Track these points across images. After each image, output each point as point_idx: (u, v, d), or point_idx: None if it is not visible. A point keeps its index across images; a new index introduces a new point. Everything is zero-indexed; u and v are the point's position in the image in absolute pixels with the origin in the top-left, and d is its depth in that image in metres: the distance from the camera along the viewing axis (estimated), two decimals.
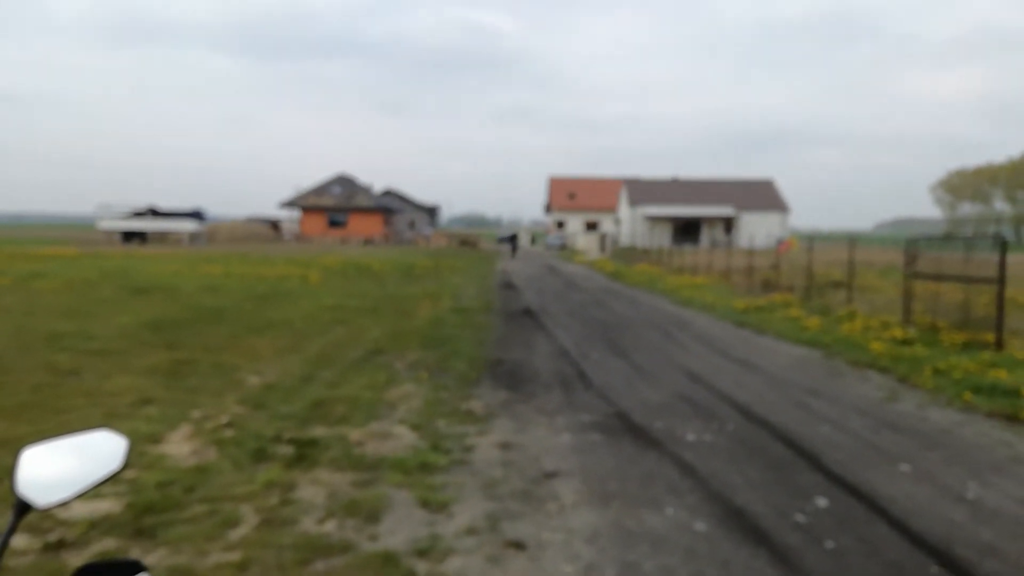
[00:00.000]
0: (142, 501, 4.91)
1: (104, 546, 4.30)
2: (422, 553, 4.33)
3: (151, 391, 8.11)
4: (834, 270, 20.73)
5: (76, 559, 4.10)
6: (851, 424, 7.59)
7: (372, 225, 77.10)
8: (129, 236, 59.35)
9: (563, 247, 75.66)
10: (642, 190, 74.12)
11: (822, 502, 5.33)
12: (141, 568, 1.33)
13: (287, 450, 6.16)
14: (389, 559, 4.22)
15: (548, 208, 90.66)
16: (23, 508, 1.32)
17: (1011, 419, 7.82)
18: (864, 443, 6.89)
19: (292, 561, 4.16)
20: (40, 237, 66.63)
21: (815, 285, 19.82)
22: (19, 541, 4.29)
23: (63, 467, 1.37)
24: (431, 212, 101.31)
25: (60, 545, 4.28)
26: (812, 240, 21.87)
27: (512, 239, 64.55)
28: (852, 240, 18.33)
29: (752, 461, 6.28)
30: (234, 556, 4.19)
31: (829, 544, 4.59)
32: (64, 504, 1.36)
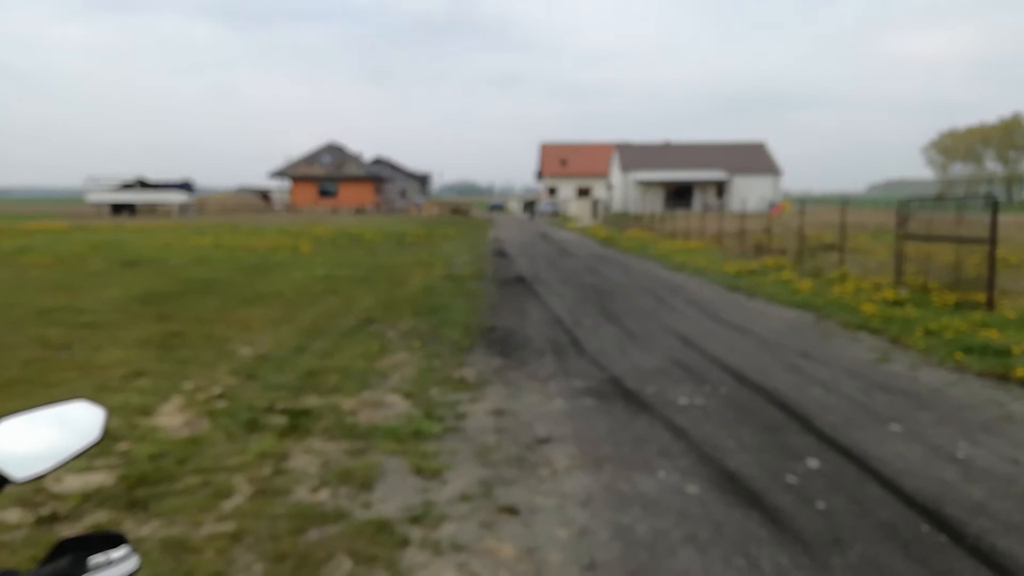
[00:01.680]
0: (135, 473, 4.91)
1: (97, 518, 4.30)
2: (416, 520, 4.34)
3: (143, 363, 8.09)
4: (826, 233, 20.75)
5: (69, 532, 4.10)
6: (843, 386, 7.62)
7: (363, 194, 76.75)
8: (118, 208, 59.01)
9: (555, 214, 75.51)
10: (634, 155, 73.85)
11: (814, 463, 5.36)
12: (123, 540, 1.31)
13: (280, 420, 6.15)
14: (383, 527, 4.23)
15: (540, 175, 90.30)
16: (0, 482, 1.29)
17: (1002, 378, 7.86)
18: (855, 404, 6.92)
19: (286, 530, 4.16)
20: (28, 211, 66.17)
21: (807, 248, 19.84)
22: (11, 515, 4.29)
23: (40, 439, 1.34)
24: (422, 181, 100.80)
25: (53, 518, 4.28)
26: (804, 203, 21.85)
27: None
28: (844, 202, 18.31)
29: (744, 424, 6.30)
30: (228, 526, 4.20)
31: (820, 505, 4.62)
32: (42, 477, 1.33)
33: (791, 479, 5.05)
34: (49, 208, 73.59)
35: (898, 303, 12.32)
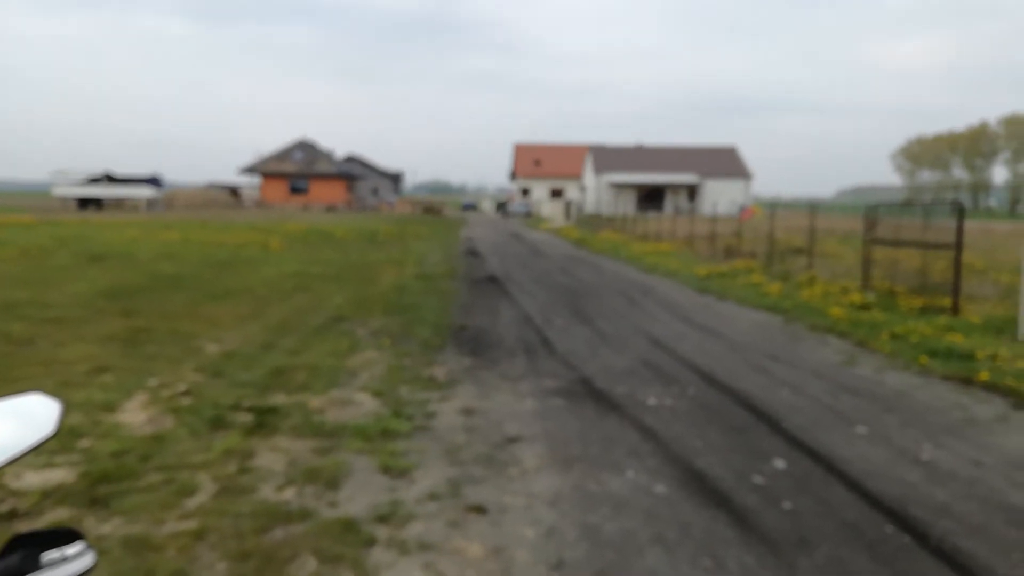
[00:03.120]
0: (96, 470, 4.81)
1: (57, 515, 4.21)
2: (383, 519, 4.30)
3: (107, 359, 7.95)
4: (795, 237, 20.98)
5: (29, 528, 4.01)
6: (810, 388, 7.69)
7: (335, 192, 76.30)
8: (85, 203, 58.10)
9: (528, 214, 75.57)
10: (607, 157, 74.16)
11: (780, 464, 5.40)
12: (78, 537, 1.27)
13: (246, 418, 6.07)
14: (349, 526, 4.19)
15: (513, 175, 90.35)
16: None
17: (966, 382, 7.97)
18: (822, 406, 6.98)
19: (250, 529, 4.10)
20: None
21: (777, 251, 20.03)
22: None
23: None
24: (395, 179, 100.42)
25: (12, 515, 4.19)
26: (774, 207, 22.06)
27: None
28: (813, 207, 18.51)
29: (712, 425, 6.33)
30: (191, 524, 4.13)
31: (787, 505, 4.65)
32: None
33: (758, 480, 5.08)
34: (15, 202, 72.31)
35: (865, 307, 12.47)
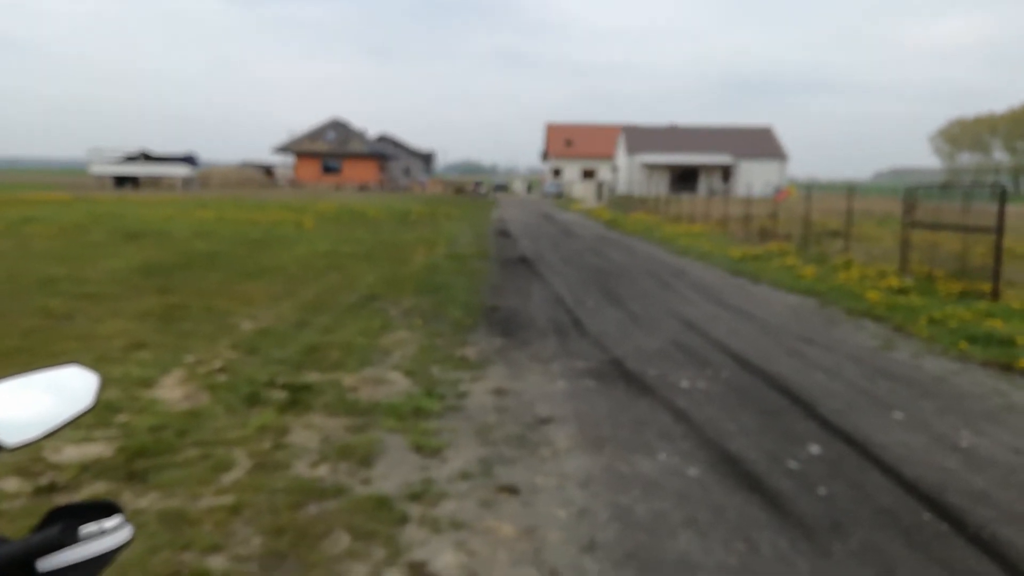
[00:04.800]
0: (134, 445, 4.89)
1: (95, 489, 4.28)
2: (415, 497, 4.32)
3: (144, 335, 8.07)
4: (831, 219, 20.67)
5: (67, 502, 4.09)
6: (845, 372, 7.59)
7: (367, 171, 76.56)
8: (121, 181, 58.86)
9: (560, 195, 75.28)
10: (640, 137, 73.51)
11: (815, 449, 5.34)
12: (116, 510, 1.28)
13: (280, 395, 6.13)
14: (382, 503, 4.22)
15: (545, 156, 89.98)
16: None
17: (1005, 368, 7.82)
18: (858, 391, 6.89)
19: (284, 504, 4.15)
20: (33, 182, 66.09)
21: (812, 234, 19.76)
22: (10, 484, 4.27)
23: (32, 405, 1.31)
24: (426, 159, 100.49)
25: (51, 488, 4.27)
26: (810, 189, 21.74)
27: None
28: (850, 189, 18.22)
29: (746, 408, 6.28)
30: (226, 500, 4.18)
31: (822, 490, 4.60)
32: (33, 443, 1.29)
33: (792, 464, 5.03)
34: (53, 179, 73.48)
35: (903, 291, 12.27)
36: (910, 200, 14.29)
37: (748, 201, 25.93)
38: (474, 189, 79.11)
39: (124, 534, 1.25)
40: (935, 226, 13.39)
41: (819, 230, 20.23)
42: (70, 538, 1.21)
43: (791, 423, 5.92)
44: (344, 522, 3.97)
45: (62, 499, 4.15)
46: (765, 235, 22.37)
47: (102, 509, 1.27)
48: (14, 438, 1.27)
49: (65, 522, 1.23)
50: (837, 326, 10.23)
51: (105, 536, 1.24)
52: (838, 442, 5.50)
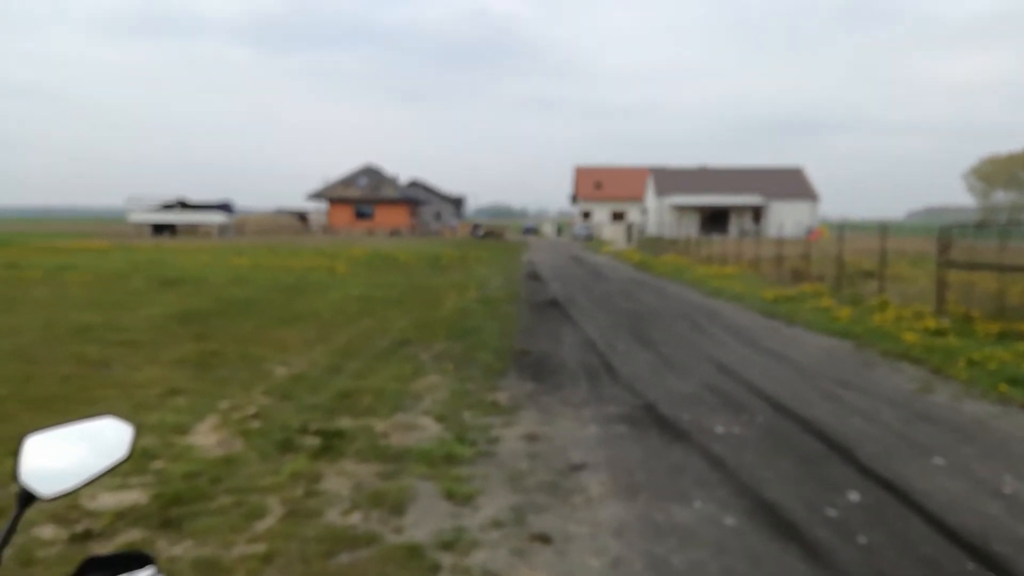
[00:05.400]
0: (169, 492, 4.92)
1: (130, 537, 4.31)
2: (447, 546, 4.29)
3: (179, 382, 8.16)
4: (865, 259, 20.43)
5: (102, 550, 4.11)
6: (883, 416, 7.46)
7: (398, 216, 77.34)
8: (159, 228, 59.99)
9: (589, 237, 75.37)
10: (669, 179, 73.59)
11: (854, 496, 5.23)
12: (149, 561, 1.29)
13: (313, 441, 6.15)
14: (414, 551, 4.19)
15: (574, 198, 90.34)
16: (27, 499, 1.28)
17: None
18: (897, 436, 6.76)
19: (317, 553, 4.14)
20: (70, 230, 67.54)
21: (846, 274, 19.55)
22: (46, 531, 4.32)
23: (68, 455, 1.33)
24: (456, 203, 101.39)
25: (87, 535, 4.30)
26: (842, 229, 21.56)
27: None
28: (884, 228, 18.04)
29: (782, 454, 6.18)
30: (259, 548, 4.18)
31: (862, 539, 4.50)
32: (69, 494, 1.32)
33: (831, 512, 4.93)
34: (91, 227, 75.08)
35: (940, 332, 12.06)
36: (945, 239, 14.11)
37: (780, 242, 25.75)
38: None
39: None
40: (971, 265, 13.20)
41: (853, 271, 20.00)
42: None
43: (829, 469, 5.82)
44: (376, 571, 3.95)
45: (97, 547, 4.18)
46: (798, 276, 22.17)
47: (136, 560, 1.28)
48: (51, 488, 1.29)
49: (99, 573, 1.25)
50: (874, 369, 10.07)
51: None
52: (878, 489, 5.39)
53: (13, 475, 1.29)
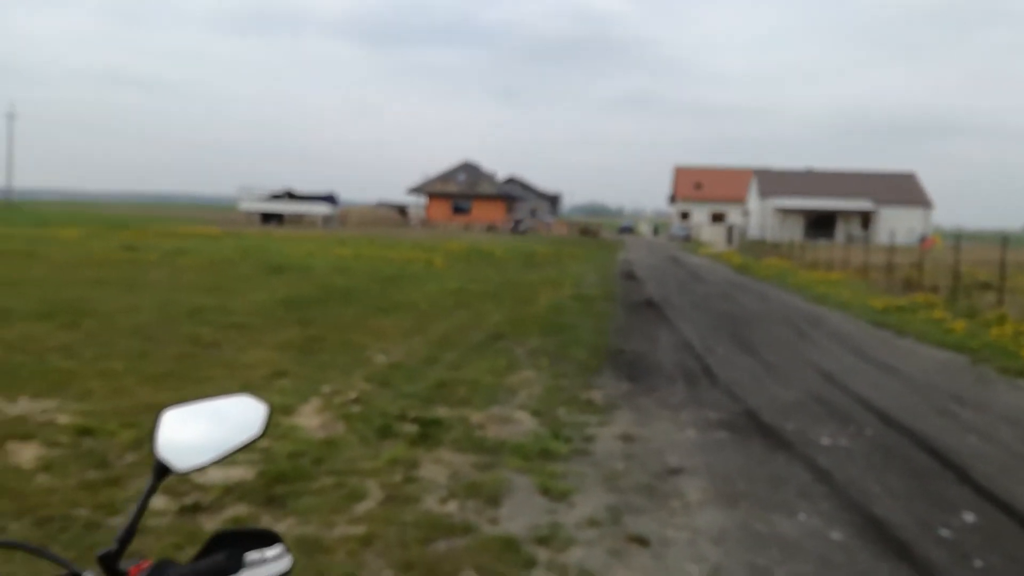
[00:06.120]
0: (274, 470, 5.07)
1: (236, 511, 4.45)
2: (543, 541, 4.27)
3: (284, 365, 8.41)
4: (981, 270, 19.42)
5: (210, 522, 4.27)
6: (1001, 435, 7.05)
7: (494, 212, 77.87)
8: (267, 217, 62.11)
9: (687, 238, 74.19)
10: (773, 181, 71.69)
11: (969, 517, 4.95)
12: (277, 539, 1.30)
13: (411, 428, 6.24)
14: (509, 544, 4.19)
15: (673, 198, 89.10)
16: (162, 471, 1.31)
17: None
18: (1016, 456, 6.38)
19: (415, 539, 4.18)
20: (185, 216, 70.64)
21: (961, 286, 18.61)
22: (157, 503, 4.50)
23: (202, 431, 1.36)
24: (552, 201, 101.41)
25: (195, 508, 4.47)
26: (958, 238, 20.54)
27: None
28: (1005, 239, 17.09)
29: (892, 469, 5.91)
30: (359, 529, 4.26)
31: (978, 563, 4.26)
32: (202, 469, 1.34)
33: (944, 532, 4.68)
34: (205, 214, 78.36)
35: None
36: None
37: (890, 249, 24.73)
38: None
39: (284, 563, 1.27)
40: None
41: (968, 282, 19.04)
42: (235, 564, 1.23)
43: (942, 487, 5.53)
44: (472, 561, 3.96)
45: (205, 519, 4.33)
46: (909, 286, 21.23)
47: (263, 537, 1.30)
48: (185, 463, 1.32)
49: (229, 549, 1.26)
50: (990, 385, 9.55)
51: (267, 564, 1.26)
52: (994, 510, 5.10)
53: (150, 448, 1.32)
